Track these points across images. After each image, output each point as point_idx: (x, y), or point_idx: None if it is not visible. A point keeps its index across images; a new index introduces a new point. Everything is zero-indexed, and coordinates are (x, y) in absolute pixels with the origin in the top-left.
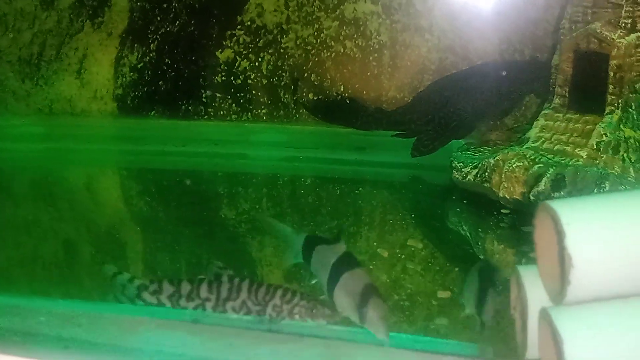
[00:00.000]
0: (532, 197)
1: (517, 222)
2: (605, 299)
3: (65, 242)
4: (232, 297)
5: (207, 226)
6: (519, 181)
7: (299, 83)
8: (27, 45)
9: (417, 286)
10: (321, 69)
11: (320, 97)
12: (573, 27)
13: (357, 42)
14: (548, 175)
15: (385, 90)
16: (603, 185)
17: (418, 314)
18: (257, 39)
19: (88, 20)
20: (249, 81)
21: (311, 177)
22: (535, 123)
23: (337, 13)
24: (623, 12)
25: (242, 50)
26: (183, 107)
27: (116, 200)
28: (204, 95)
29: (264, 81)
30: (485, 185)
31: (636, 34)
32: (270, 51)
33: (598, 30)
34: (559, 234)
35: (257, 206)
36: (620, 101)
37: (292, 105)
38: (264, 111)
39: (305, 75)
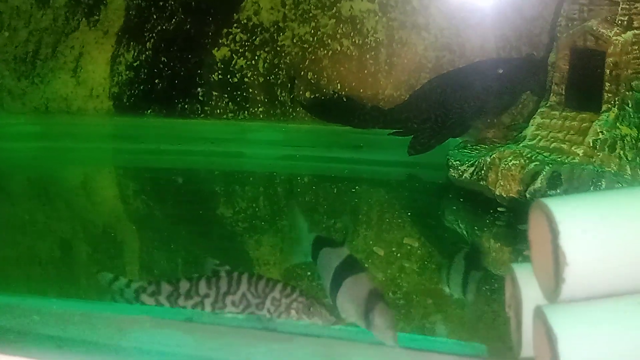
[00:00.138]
0: (528, 195)
1: (513, 220)
2: (599, 297)
3: (61, 241)
4: (232, 291)
5: (204, 225)
6: (515, 179)
7: (296, 81)
8: (22, 44)
9: (413, 284)
10: (318, 67)
11: (317, 95)
12: (570, 25)
13: (354, 40)
14: (544, 173)
15: (382, 88)
16: (599, 183)
17: (415, 312)
18: (254, 37)
19: (84, 19)
20: (246, 79)
21: (308, 175)
22: (531, 121)
23: (333, 11)
24: (619, 9)
25: (238, 48)
26: (179, 105)
27: (112, 199)
28: (200, 94)
29: (261, 79)
30: (481, 183)
31: (633, 32)
32: (266, 49)
33: (594, 28)
34: (553, 232)
35: (253, 205)
36: (616, 99)
37: (289, 104)
38: (260, 109)
39: (302, 73)
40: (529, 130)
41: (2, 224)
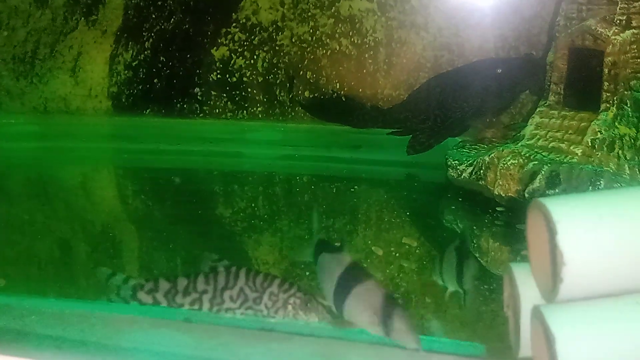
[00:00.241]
0: (527, 195)
1: (512, 220)
2: (597, 297)
3: (59, 240)
4: (230, 286)
5: (202, 225)
6: (514, 179)
7: (295, 81)
8: (21, 43)
9: (412, 284)
10: (317, 67)
11: (316, 94)
12: (568, 24)
13: (352, 39)
14: (543, 172)
15: (381, 88)
16: (598, 183)
17: (413, 312)
18: (253, 37)
19: (82, 18)
20: (245, 79)
21: (307, 175)
22: (530, 120)
23: (332, 10)
24: (618, 9)
25: (237, 48)
26: (178, 105)
27: (111, 199)
28: (199, 93)
29: (260, 79)
30: (480, 182)
31: (631, 31)
32: (265, 49)
33: (593, 27)
34: (551, 231)
35: (252, 204)
36: (615, 98)
37: (288, 103)
38: (259, 109)
39: (301, 73)
40: (528, 130)
41: (1, 223)
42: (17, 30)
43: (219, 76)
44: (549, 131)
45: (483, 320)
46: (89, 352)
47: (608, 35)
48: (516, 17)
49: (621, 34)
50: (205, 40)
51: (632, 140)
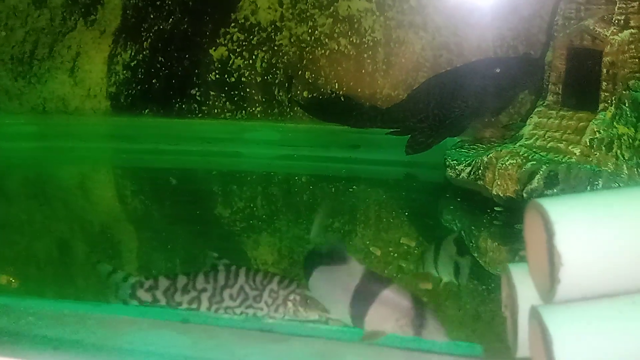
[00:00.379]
0: (525, 195)
1: (510, 220)
2: (595, 298)
3: (57, 241)
4: (230, 284)
5: (201, 224)
6: (512, 179)
7: (293, 81)
8: (19, 44)
9: (410, 284)
10: (315, 67)
11: (314, 94)
12: (566, 24)
13: (351, 39)
14: (541, 172)
15: (379, 87)
16: (596, 183)
17: None
18: (251, 37)
19: (81, 18)
20: (243, 79)
21: (305, 175)
22: (528, 120)
23: (331, 10)
24: (616, 8)
25: (235, 48)
26: (177, 105)
27: (109, 199)
28: (197, 93)
29: (258, 79)
30: (478, 182)
31: (629, 31)
32: (264, 49)
33: (591, 27)
34: (549, 232)
35: (251, 204)
36: (613, 98)
37: (287, 103)
38: (258, 109)
39: (300, 72)
40: (526, 130)
41: None
42: (16, 30)
43: (217, 76)
44: (547, 131)
45: (481, 321)
46: (86, 354)
47: (606, 35)
48: (515, 17)
49: (619, 34)
50: (203, 40)
51: (631, 140)
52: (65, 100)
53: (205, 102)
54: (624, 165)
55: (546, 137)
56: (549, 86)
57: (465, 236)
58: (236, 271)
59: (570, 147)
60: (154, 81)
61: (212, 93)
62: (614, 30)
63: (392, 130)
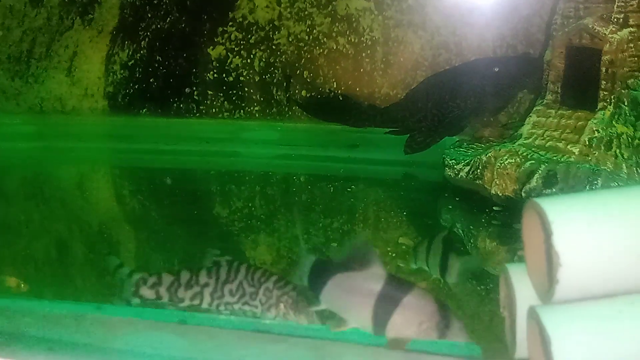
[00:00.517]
0: (524, 194)
1: (508, 219)
2: (593, 298)
3: (55, 241)
4: (230, 279)
5: (199, 224)
6: (511, 178)
7: (292, 80)
8: (16, 43)
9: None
10: (314, 66)
11: (313, 94)
12: (565, 23)
13: (349, 38)
14: (540, 172)
15: (378, 87)
16: (595, 182)
17: None
18: (249, 36)
19: (78, 18)
20: (241, 78)
21: (304, 174)
22: (527, 119)
23: (329, 9)
24: (615, 7)
25: (234, 47)
26: (174, 104)
27: (107, 199)
28: (195, 93)
29: (256, 78)
30: (477, 182)
31: (628, 29)
32: (262, 48)
33: (590, 26)
34: (547, 232)
35: (249, 204)
36: (612, 97)
37: (285, 103)
38: (256, 108)
39: (298, 72)
40: (525, 129)
41: None
42: (13, 29)
43: (215, 75)
44: (546, 130)
45: (479, 321)
46: (82, 355)
47: (605, 34)
48: (514, 16)
49: (618, 33)
50: (201, 39)
51: (630, 139)
52: (63, 99)
53: (203, 102)
54: (623, 164)
55: (545, 136)
56: (548, 85)
57: (464, 236)
58: (237, 267)
59: (569, 146)
60: (151, 80)
61: (210, 92)
62: (613, 29)
63: (390, 129)
